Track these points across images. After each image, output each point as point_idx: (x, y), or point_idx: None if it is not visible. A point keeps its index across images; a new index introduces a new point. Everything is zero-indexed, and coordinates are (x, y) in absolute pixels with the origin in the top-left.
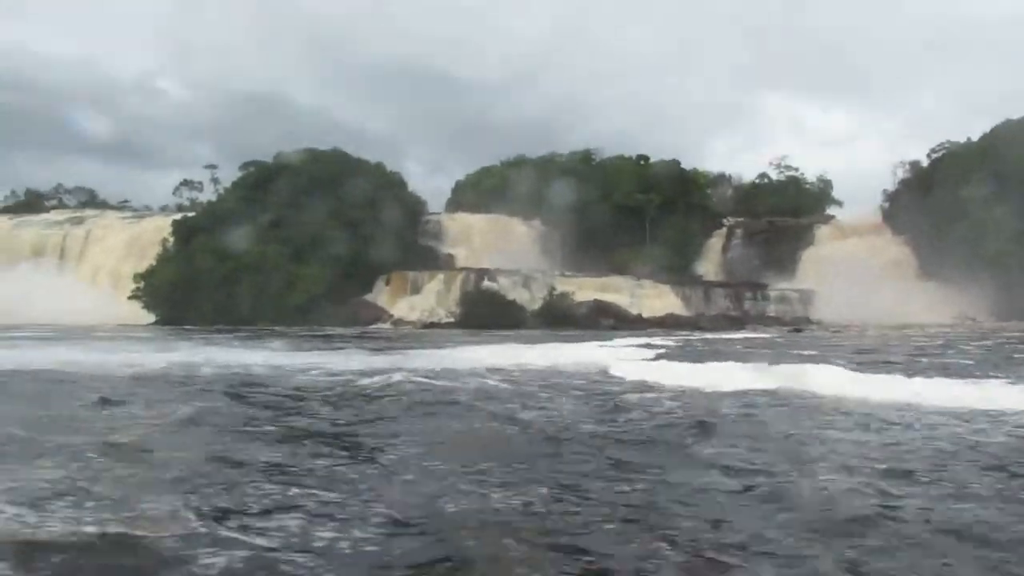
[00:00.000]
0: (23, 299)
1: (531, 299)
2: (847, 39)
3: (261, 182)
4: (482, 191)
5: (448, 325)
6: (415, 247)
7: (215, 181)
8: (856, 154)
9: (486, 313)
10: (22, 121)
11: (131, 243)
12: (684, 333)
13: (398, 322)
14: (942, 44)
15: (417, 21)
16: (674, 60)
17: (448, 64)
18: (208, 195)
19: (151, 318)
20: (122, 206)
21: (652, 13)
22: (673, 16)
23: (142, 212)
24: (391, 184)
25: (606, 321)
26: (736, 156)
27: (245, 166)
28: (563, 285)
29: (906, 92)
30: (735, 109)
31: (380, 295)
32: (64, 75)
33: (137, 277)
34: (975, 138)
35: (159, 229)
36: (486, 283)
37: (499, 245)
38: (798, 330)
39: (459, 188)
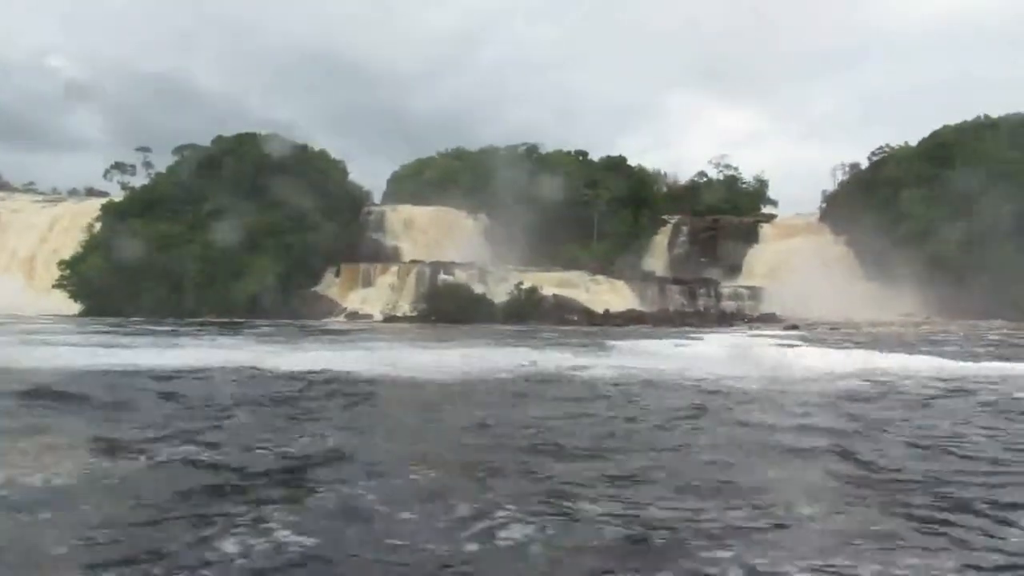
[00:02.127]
0: None
1: (496, 294)
2: (752, 42)
3: (200, 167)
4: (421, 183)
5: (409, 319)
6: (360, 239)
7: (147, 165)
8: (758, 155)
9: (451, 308)
10: None
11: (48, 228)
12: (686, 329)
13: (352, 315)
14: (842, 50)
15: (327, 8)
16: (580, 58)
17: (358, 55)
18: (141, 179)
19: (76, 308)
20: (28, 189)
21: (560, 10)
22: (579, 15)
23: (53, 196)
24: (335, 172)
25: (570, 317)
26: (644, 155)
27: (179, 150)
28: (519, 280)
29: (804, 96)
30: (641, 108)
31: (330, 288)
32: None
33: (63, 265)
34: (913, 142)
35: (79, 214)
36: (443, 276)
37: (445, 238)
38: (795, 327)
39: (395, 179)
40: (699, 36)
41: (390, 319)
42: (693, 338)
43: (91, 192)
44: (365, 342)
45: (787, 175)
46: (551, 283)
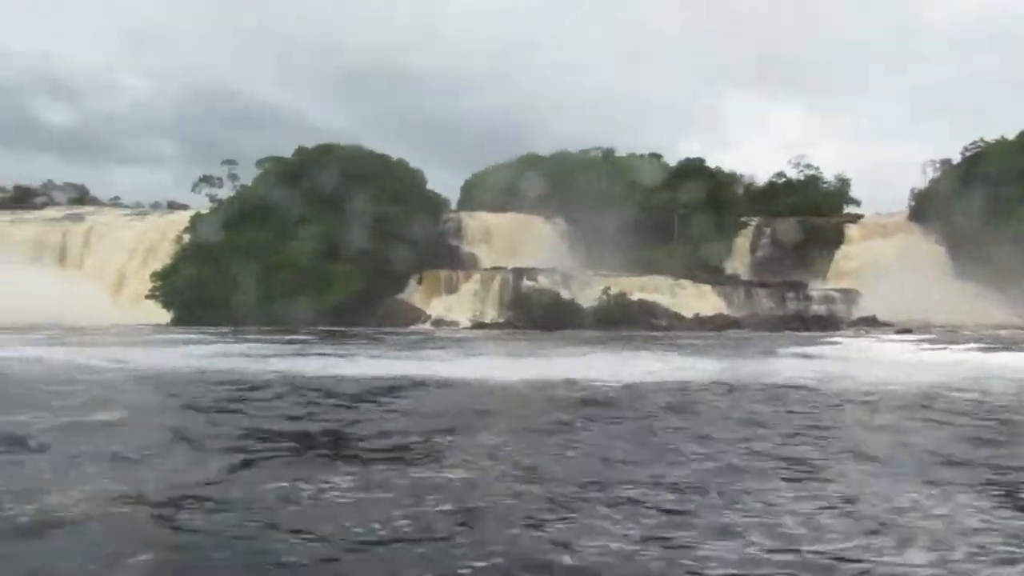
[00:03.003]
0: (23, 298)
1: (582, 299)
2: (809, 40)
3: (283, 178)
4: (495, 189)
5: (497, 326)
6: (440, 246)
7: (233, 177)
8: (821, 154)
9: (538, 314)
10: None
11: (137, 241)
12: (797, 335)
13: (438, 323)
14: (898, 49)
15: (377, 16)
16: (637, 59)
17: (410, 63)
18: (228, 192)
19: (165, 318)
20: (114, 203)
21: (613, 12)
22: (630, 18)
23: (140, 209)
24: (414, 181)
25: (657, 322)
26: (705, 157)
27: (262, 162)
28: (603, 284)
29: (859, 95)
30: (699, 110)
31: (413, 295)
32: (21, 69)
33: (155, 276)
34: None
35: (166, 226)
36: (526, 283)
37: (522, 244)
38: (907, 330)
39: (469, 186)
40: (755, 35)
41: (479, 326)
42: (832, 343)
43: (172, 205)
44: (502, 348)
45: (855, 174)
46: (634, 288)
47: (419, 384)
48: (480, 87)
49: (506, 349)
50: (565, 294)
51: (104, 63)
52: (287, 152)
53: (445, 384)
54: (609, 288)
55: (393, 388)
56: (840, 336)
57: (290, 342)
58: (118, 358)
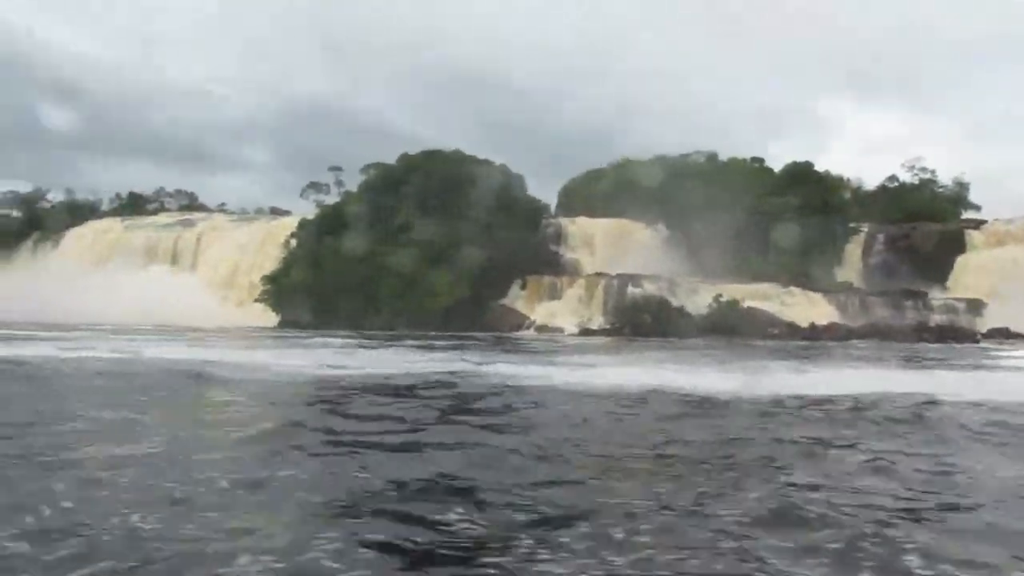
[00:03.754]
0: (138, 301)
1: (693, 306)
2: (897, 41)
3: (387, 184)
4: (594, 194)
5: (604, 332)
6: (540, 252)
7: (339, 184)
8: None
9: (646, 321)
10: (84, 127)
11: (245, 245)
12: (929, 346)
13: (542, 328)
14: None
15: (466, 23)
16: (720, 65)
17: (498, 69)
18: (334, 198)
19: (271, 321)
20: (221, 209)
21: (699, 17)
22: (718, 20)
23: (247, 215)
24: (515, 186)
25: (771, 331)
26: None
27: (366, 168)
28: (709, 291)
29: (962, 95)
30: (789, 113)
31: (517, 300)
32: (125, 81)
33: (264, 280)
34: None
35: (272, 231)
36: (631, 289)
37: (622, 250)
38: None
39: (567, 191)
40: (845, 37)
41: (585, 332)
42: (1005, 355)
43: (275, 211)
44: (648, 356)
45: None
46: (741, 295)
47: (687, 399)
48: (566, 93)
49: (655, 357)
50: (674, 301)
51: (206, 75)
52: (381, 159)
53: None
54: (720, 295)
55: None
56: (988, 347)
57: (427, 347)
58: (330, 362)
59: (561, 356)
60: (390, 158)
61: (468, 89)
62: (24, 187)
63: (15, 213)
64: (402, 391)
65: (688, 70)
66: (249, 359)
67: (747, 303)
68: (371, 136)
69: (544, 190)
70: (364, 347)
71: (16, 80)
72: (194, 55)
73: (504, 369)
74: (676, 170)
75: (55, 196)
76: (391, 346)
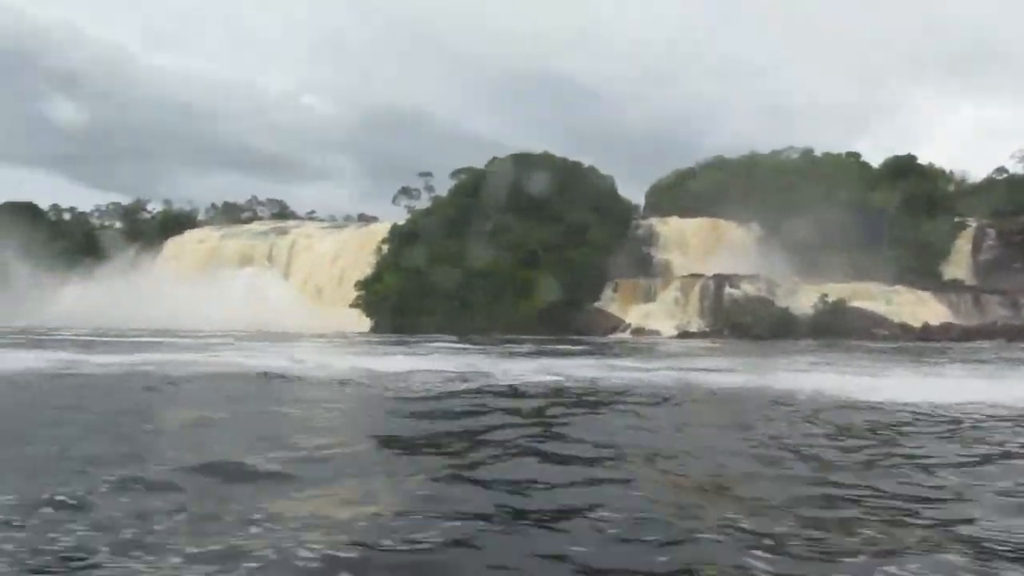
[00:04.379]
0: (235, 308)
1: (795, 307)
2: (1001, 27)
3: (477, 188)
4: (683, 194)
5: (703, 335)
6: (631, 253)
7: (429, 189)
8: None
9: (747, 323)
10: (178, 139)
11: (337, 252)
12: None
13: (638, 331)
14: None
15: (544, 27)
16: (801, 59)
17: (576, 69)
18: (425, 203)
19: (364, 325)
20: (311, 217)
21: (777, 11)
22: (799, 13)
23: (337, 222)
24: (605, 188)
25: (878, 331)
26: (885, 155)
27: (456, 173)
28: (810, 291)
29: None
30: (875, 106)
31: (610, 303)
32: (215, 95)
33: (358, 285)
34: None
35: (363, 237)
36: (728, 290)
37: (715, 250)
38: None
39: (655, 191)
40: (942, 22)
41: (685, 335)
42: None
43: (363, 217)
44: (796, 361)
45: None
46: (844, 295)
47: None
48: (643, 92)
49: (807, 360)
50: (779, 302)
51: (291, 85)
52: (459, 164)
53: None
54: (826, 295)
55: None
56: None
57: (562, 353)
58: (552, 369)
59: (748, 360)
60: (468, 163)
61: (544, 92)
62: (125, 199)
63: (117, 224)
64: (673, 398)
65: (769, 65)
66: (444, 365)
67: (851, 303)
68: (450, 142)
69: (623, 190)
70: (514, 353)
71: (112, 94)
72: (280, 66)
73: (721, 379)
74: (769, 167)
75: (154, 207)
76: (523, 351)
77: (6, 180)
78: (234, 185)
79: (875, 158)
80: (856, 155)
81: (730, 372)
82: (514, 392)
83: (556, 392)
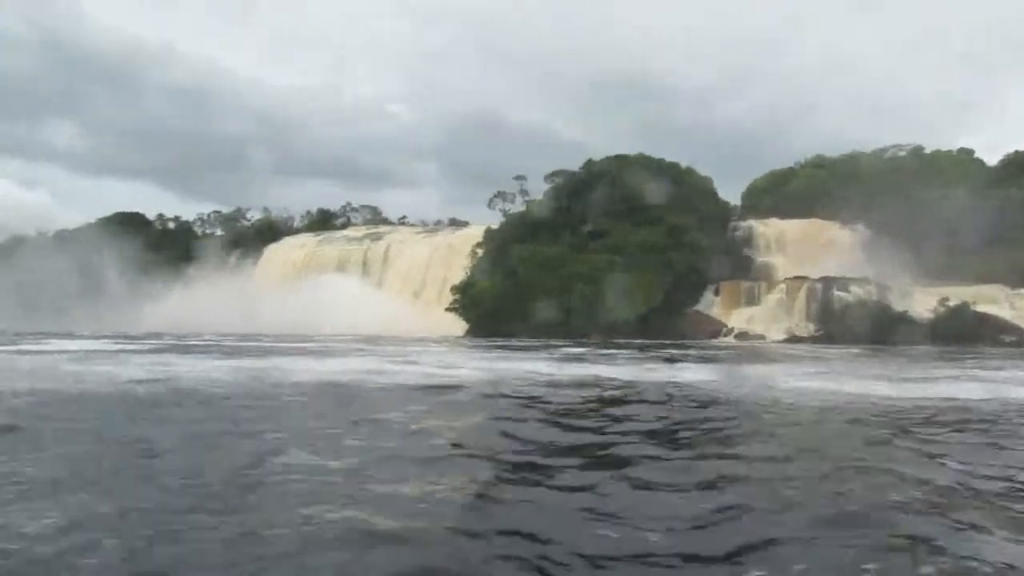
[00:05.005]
0: (331, 311)
1: (914, 311)
2: None
3: (573, 191)
4: (782, 195)
5: (812, 339)
6: (730, 255)
7: (523, 192)
8: None
9: (860, 327)
10: (268, 149)
11: (430, 256)
12: None
13: (741, 335)
14: None
15: (629, 29)
16: (895, 55)
17: (658, 71)
18: (520, 207)
19: (459, 329)
20: (403, 222)
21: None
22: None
23: (429, 227)
24: (704, 189)
25: (1004, 337)
26: (993, 152)
27: (551, 176)
28: (926, 294)
29: None
30: (980, 102)
31: (711, 306)
32: (306, 105)
33: (454, 289)
34: None
35: (456, 242)
36: (836, 293)
37: (819, 252)
38: None
39: (751, 193)
40: None
41: (793, 339)
42: None
43: (453, 222)
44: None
45: None
46: (965, 298)
47: None
48: (731, 91)
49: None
50: (895, 306)
51: (379, 95)
52: (543, 168)
53: None
54: (946, 299)
55: None
56: None
57: (654, 357)
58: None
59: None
60: (553, 167)
61: (627, 94)
62: (218, 208)
63: (219, 232)
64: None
65: (861, 60)
66: (608, 372)
67: (980, 307)
68: (533, 147)
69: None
70: (652, 358)
71: (206, 108)
72: (365, 76)
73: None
74: (875, 166)
75: (253, 215)
76: (651, 356)
77: (111, 191)
78: (321, 193)
79: (985, 155)
80: (969, 152)
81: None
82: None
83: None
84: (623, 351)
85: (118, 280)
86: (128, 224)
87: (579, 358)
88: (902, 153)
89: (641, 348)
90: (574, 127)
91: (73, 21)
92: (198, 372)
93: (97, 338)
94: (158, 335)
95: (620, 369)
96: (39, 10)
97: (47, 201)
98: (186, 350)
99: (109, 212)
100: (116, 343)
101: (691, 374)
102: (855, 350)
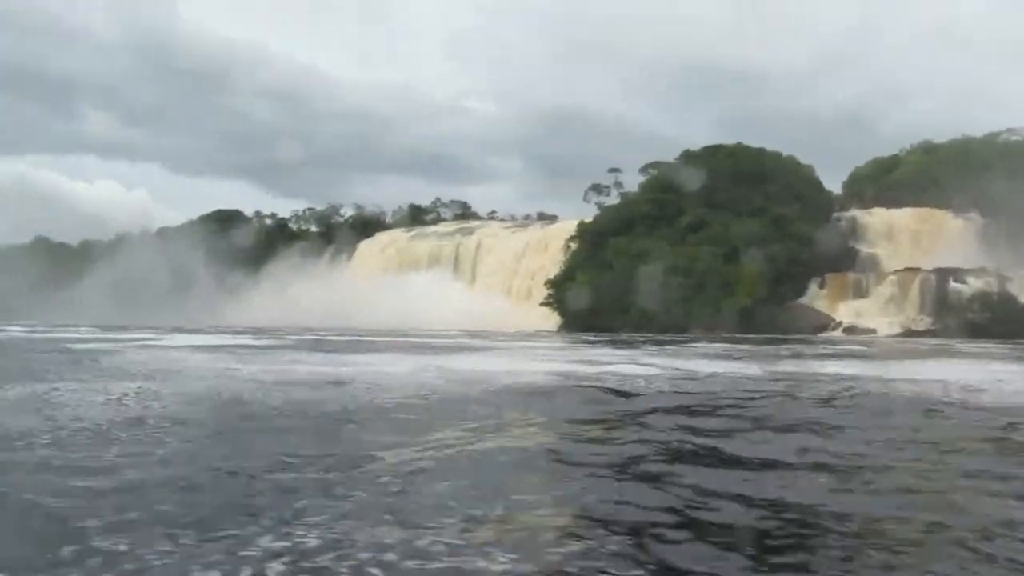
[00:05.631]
0: (423, 306)
1: None
2: None
3: (670, 183)
4: (887, 183)
5: (930, 333)
6: (834, 246)
7: (618, 185)
8: None
9: (983, 320)
10: (357, 145)
11: (522, 250)
12: None
13: (850, 329)
14: None
15: (710, 17)
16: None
17: (745, 58)
18: (615, 200)
19: (552, 323)
20: (491, 217)
21: None
22: None
23: (520, 221)
24: (806, 178)
25: None
26: None
27: (646, 168)
28: None
29: None
30: None
31: (816, 299)
32: (390, 102)
33: (548, 283)
34: None
35: (548, 236)
36: (953, 285)
37: (928, 242)
38: None
39: (853, 181)
40: None
41: (909, 333)
42: None
43: (541, 216)
44: None
45: None
46: None
47: None
48: (822, 76)
49: None
50: (1020, 298)
51: (458, 89)
52: (627, 161)
53: None
54: None
55: None
56: None
57: (779, 352)
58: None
59: None
60: (640, 160)
61: (712, 83)
62: (307, 205)
63: (313, 228)
64: None
65: (958, 41)
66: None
67: None
68: (618, 139)
69: None
70: (779, 354)
71: (295, 107)
72: (447, 72)
73: None
74: (987, 152)
75: (345, 211)
76: (792, 352)
77: (205, 190)
78: (406, 189)
79: None
80: None
81: None
82: None
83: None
84: (741, 345)
85: (215, 276)
86: (226, 221)
87: (725, 355)
88: (1016, 138)
89: (759, 342)
90: (658, 118)
91: (167, 23)
92: (388, 371)
93: (210, 333)
94: (260, 331)
95: (767, 366)
96: (134, 13)
97: (147, 200)
98: (319, 346)
99: (202, 211)
100: (235, 338)
101: (841, 368)
102: (989, 345)
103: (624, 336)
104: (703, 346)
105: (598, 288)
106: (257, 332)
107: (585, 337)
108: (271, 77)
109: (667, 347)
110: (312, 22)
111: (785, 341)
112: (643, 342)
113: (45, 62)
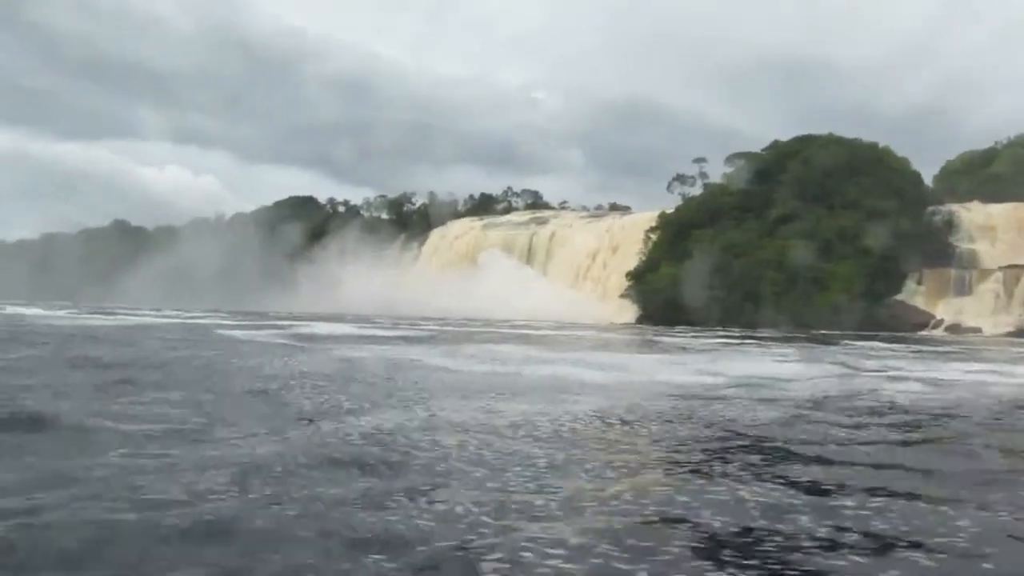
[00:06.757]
0: (498, 295)
1: None
2: None
3: (758, 174)
4: (983, 177)
5: None
6: (930, 242)
7: (703, 175)
8: None
9: None
10: (421, 135)
11: (597, 241)
12: None
13: (952, 328)
14: None
15: (782, 9)
16: None
17: (821, 52)
18: (699, 190)
19: (628, 316)
20: (563, 207)
21: None
22: None
23: (595, 212)
24: (903, 171)
25: None
26: None
27: (731, 159)
28: None
29: None
30: None
31: (913, 296)
32: (455, 92)
33: (628, 275)
34: None
35: (628, 225)
36: None
37: None
38: None
39: (946, 175)
40: None
41: (1019, 333)
42: None
43: (613, 207)
44: None
45: None
46: None
47: None
48: (898, 69)
49: None
50: None
51: (525, 81)
52: (695, 155)
53: None
54: None
55: None
56: None
57: (900, 351)
58: None
59: None
60: (708, 153)
61: (784, 77)
62: (376, 193)
63: (384, 216)
64: None
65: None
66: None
67: None
68: (687, 132)
69: None
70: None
71: (363, 96)
72: (515, 63)
73: None
74: None
75: (418, 199)
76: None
77: (273, 178)
78: (471, 179)
79: None
80: None
81: None
82: None
83: None
84: (851, 344)
85: (291, 262)
86: (300, 208)
87: (870, 354)
88: None
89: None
90: (729, 111)
91: (239, 13)
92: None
93: (332, 321)
94: (363, 319)
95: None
96: (209, 3)
97: (215, 187)
98: (472, 338)
99: (267, 199)
100: (344, 326)
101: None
102: None
103: (736, 332)
104: (863, 344)
105: (680, 281)
106: (359, 321)
107: (683, 332)
108: (339, 67)
109: (830, 346)
110: (380, 13)
111: (886, 339)
112: (777, 339)
113: (123, 51)
